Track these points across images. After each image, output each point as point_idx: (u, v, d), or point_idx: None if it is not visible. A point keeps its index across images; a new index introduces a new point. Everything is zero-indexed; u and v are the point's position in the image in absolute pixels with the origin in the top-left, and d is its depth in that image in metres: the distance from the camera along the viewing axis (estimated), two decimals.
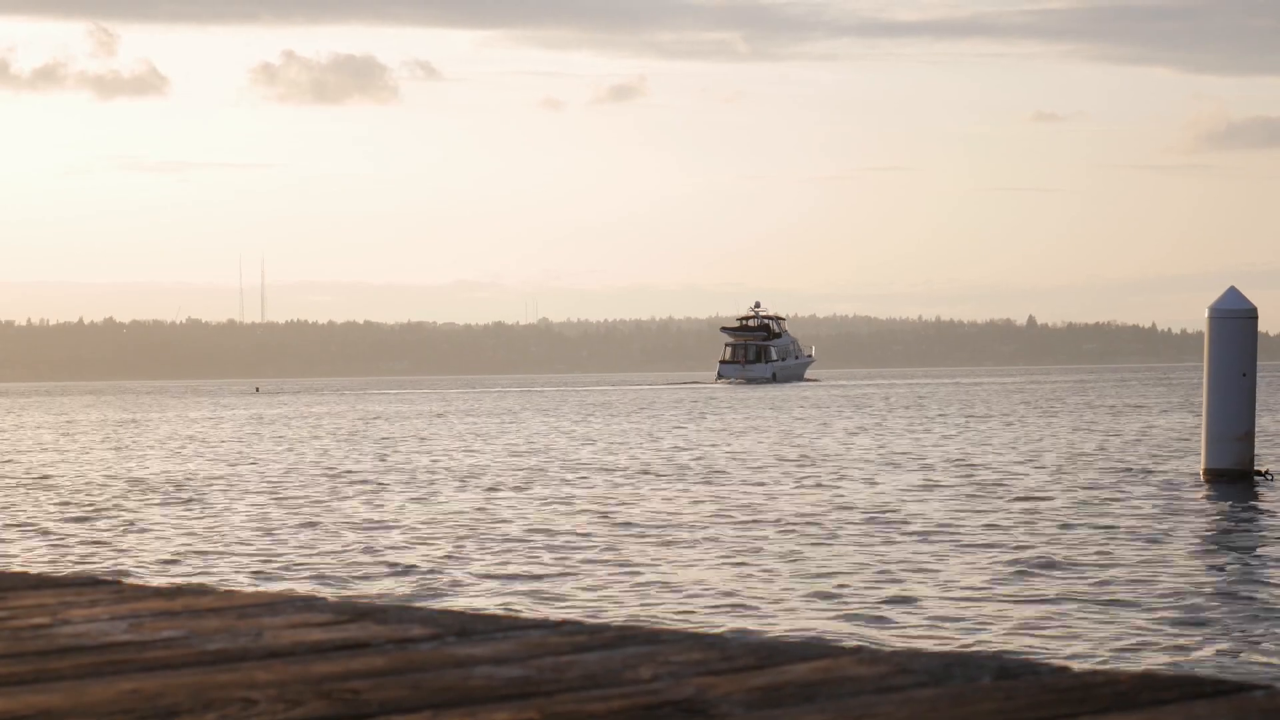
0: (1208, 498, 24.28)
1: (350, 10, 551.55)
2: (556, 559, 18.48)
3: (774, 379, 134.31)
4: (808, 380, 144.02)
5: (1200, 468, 26.60)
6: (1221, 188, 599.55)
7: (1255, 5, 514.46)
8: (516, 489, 28.67)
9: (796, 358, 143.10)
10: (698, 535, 20.64)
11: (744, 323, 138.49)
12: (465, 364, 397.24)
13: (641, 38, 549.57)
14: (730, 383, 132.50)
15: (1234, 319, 25.33)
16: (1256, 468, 25.76)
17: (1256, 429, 26.09)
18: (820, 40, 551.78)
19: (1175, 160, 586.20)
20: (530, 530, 21.59)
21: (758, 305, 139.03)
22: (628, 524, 22.18)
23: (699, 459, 36.39)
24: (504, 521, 22.82)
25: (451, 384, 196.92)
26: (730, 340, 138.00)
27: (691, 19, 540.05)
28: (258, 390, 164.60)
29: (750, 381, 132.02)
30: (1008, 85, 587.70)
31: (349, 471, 34.15)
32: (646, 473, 32.22)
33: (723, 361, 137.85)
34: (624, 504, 25.32)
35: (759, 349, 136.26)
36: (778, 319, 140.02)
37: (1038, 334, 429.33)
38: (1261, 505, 22.81)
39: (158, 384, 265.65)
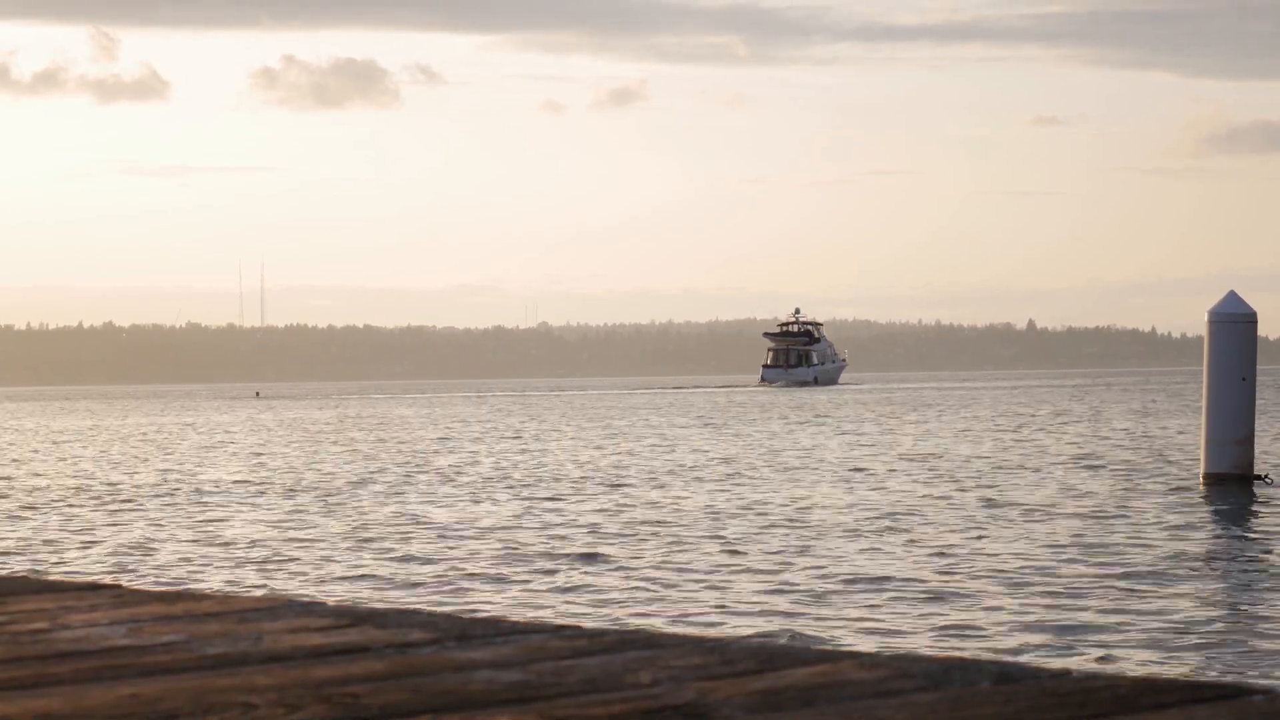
0: (1207, 502, 24.29)
1: (351, 14, 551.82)
2: (556, 563, 18.48)
3: (815, 382, 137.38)
4: (844, 384, 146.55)
5: (1200, 471, 26.61)
6: (1221, 191, 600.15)
7: (1254, 9, 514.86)
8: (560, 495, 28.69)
9: (833, 361, 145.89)
10: (716, 537, 20.65)
11: (785, 328, 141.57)
12: (464, 367, 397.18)
13: (642, 41, 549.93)
14: (775, 386, 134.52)
15: (1233, 323, 25.34)
16: (1256, 472, 25.77)
17: (1256, 433, 26.10)
18: (821, 44, 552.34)
19: (1175, 164, 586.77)
20: (531, 533, 21.60)
21: (798, 311, 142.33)
22: (659, 528, 22.20)
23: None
24: (507, 525, 22.82)
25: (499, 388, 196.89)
26: (773, 345, 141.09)
27: (692, 22, 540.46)
28: (258, 394, 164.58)
29: (793, 385, 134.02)
30: (1008, 89, 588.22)
31: (368, 477, 34.19)
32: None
33: (766, 365, 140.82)
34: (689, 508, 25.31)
35: (800, 353, 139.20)
36: (816, 324, 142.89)
37: (1038, 337, 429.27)
38: (1260, 509, 22.82)
39: (158, 388, 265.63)
